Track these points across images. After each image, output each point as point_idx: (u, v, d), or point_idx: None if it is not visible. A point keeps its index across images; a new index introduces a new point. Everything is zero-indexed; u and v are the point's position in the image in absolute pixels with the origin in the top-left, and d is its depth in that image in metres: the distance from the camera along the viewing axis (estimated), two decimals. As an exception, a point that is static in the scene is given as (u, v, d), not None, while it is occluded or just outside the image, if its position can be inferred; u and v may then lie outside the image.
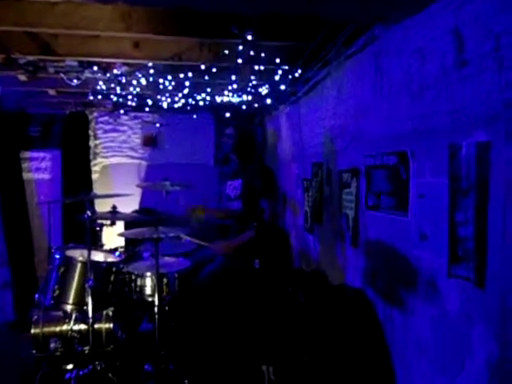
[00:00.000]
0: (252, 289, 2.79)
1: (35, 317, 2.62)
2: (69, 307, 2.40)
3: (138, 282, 2.63)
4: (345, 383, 2.17)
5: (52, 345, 2.55)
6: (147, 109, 3.94)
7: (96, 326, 2.52)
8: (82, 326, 2.56)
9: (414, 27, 1.81)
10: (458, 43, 1.45)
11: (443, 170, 1.62)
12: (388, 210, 2.14)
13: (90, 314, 2.29)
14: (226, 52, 2.52)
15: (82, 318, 2.54)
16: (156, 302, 2.41)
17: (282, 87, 3.24)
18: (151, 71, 2.94)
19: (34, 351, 2.61)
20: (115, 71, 2.96)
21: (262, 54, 2.57)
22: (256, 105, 3.91)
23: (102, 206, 4.09)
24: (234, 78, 2.87)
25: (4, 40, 2.65)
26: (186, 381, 2.41)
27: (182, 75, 2.85)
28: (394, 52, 2.02)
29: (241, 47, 2.42)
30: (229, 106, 3.98)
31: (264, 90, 3.35)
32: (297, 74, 2.98)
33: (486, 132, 1.38)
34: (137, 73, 2.99)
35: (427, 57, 1.70)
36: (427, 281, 1.76)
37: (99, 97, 3.55)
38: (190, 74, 2.83)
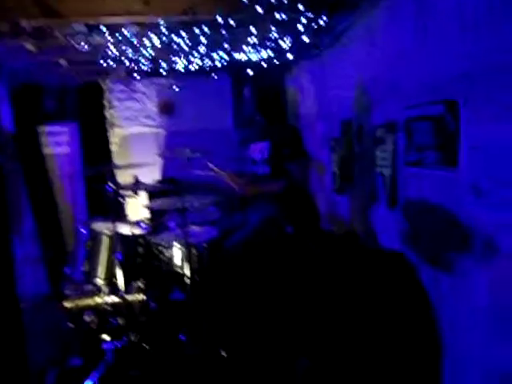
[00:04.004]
0: (283, 257, 2.68)
1: (67, 291, 2.63)
2: (99, 281, 2.37)
3: (166, 254, 2.58)
4: (385, 353, 2.08)
5: (86, 317, 2.55)
6: (163, 72, 3.73)
7: (128, 297, 2.50)
8: (115, 299, 2.55)
9: None
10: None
11: (507, 114, 1.40)
12: (433, 166, 1.94)
13: (121, 287, 2.25)
14: (245, 0, 2.28)
15: (113, 290, 2.52)
16: (187, 273, 2.35)
17: (305, 39, 2.97)
18: (163, 30, 2.72)
19: (70, 324, 2.64)
20: (125, 32, 2.76)
21: (285, 1, 2.31)
22: (276, 62, 3.65)
23: (124, 178, 4.03)
24: (253, 30, 2.63)
25: (8, 7, 2.49)
26: (224, 352, 2.37)
27: (197, 31, 2.62)
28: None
29: (261, -7, 2.17)
30: (247, 64, 3.73)
31: (285, 44, 3.09)
32: (322, 22, 2.70)
33: None
34: (148, 32, 2.78)
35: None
36: (484, 240, 1.59)
37: (111, 63, 3.37)
38: (205, 29, 2.61)
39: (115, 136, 4.72)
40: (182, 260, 2.47)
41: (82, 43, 2.69)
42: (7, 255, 1.64)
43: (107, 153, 4.50)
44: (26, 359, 1.89)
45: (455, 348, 1.86)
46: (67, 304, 2.63)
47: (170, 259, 2.54)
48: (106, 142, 4.53)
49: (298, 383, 2.17)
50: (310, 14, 2.58)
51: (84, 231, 2.39)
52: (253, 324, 2.56)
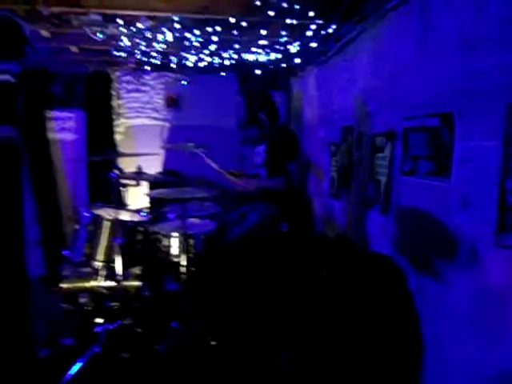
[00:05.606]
0: (277, 254, 2.77)
1: (65, 272, 2.69)
2: (98, 264, 2.44)
3: (165, 243, 2.65)
4: (368, 352, 2.16)
5: (82, 299, 2.62)
6: (173, 66, 3.81)
7: (124, 283, 2.57)
8: (111, 283, 2.62)
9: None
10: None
11: (496, 132, 1.50)
12: (426, 176, 2.03)
13: (119, 272, 2.33)
14: (258, 3, 2.36)
15: (110, 274, 2.59)
16: (183, 263, 2.43)
17: (313, 45, 3.06)
18: (177, 26, 2.81)
19: (65, 305, 2.70)
20: (140, 25, 2.84)
21: (296, 7, 2.40)
22: (284, 65, 3.74)
23: (126, 167, 4.10)
24: (264, 33, 2.72)
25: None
26: (212, 341, 2.44)
27: (209, 29, 2.71)
28: (444, 3, 1.84)
29: (274, -2, 2.26)
30: (254, 65, 3.81)
31: (294, 48, 3.18)
32: (330, 30, 2.80)
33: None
34: (162, 27, 2.86)
35: (486, 4, 1.53)
36: (468, 250, 1.68)
37: (123, 54, 3.44)
38: (218, 29, 2.69)
39: (120, 126, 4.79)
40: (180, 250, 2.54)
41: (97, 33, 2.76)
42: (20, 238, 1.71)
43: (112, 142, 4.57)
44: (32, 336, 1.94)
45: (437, 352, 1.94)
46: (64, 285, 2.70)
47: (168, 248, 2.62)
48: (111, 131, 4.60)
49: (280, 375, 2.25)
50: (319, 22, 2.67)
51: (87, 214, 2.46)
52: (242, 316, 2.64)
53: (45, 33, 3.20)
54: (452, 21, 1.80)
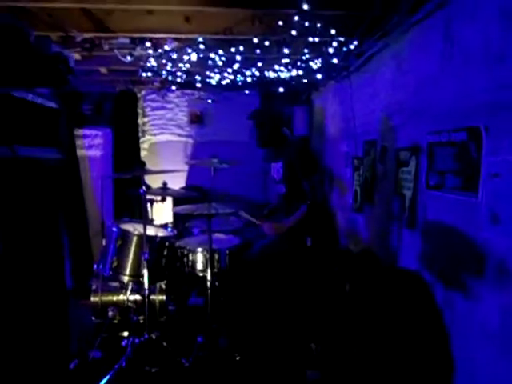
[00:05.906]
0: (301, 268, 2.76)
1: (94, 286, 2.77)
2: (125, 278, 2.49)
3: (190, 257, 2.69)
4: (395, 368, 2.11)
5: (110, 313, 2.67)
6: (199, 85, 3.92)
7: (151, 297, 2.61)
8: (138, 297, 2.67)
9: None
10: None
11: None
12: (453, 190, 2.00)
13: (146, 286, 2.37)
14: (280, 23, 2.42)
15: (137, 289, 2.65)
16: (208, 277, 2.46)
17: (335, 61, 3.09)
18: (201, 46, 2.90)
19: (94, 318, 2.76)
20: (166, 47, 2.95)
21: (318, 25, 2.44)
22: (305, 80, 3.78)
23: (151, 183, 4.20)
24: (286, 51, 2.77)
25: (60, 18, 2.70)
26: (238, 356, 2.44)
27: (233, 49, 2.79)
28: (469, 16, 1.84)
29: (296, 18, 2.31)
30: (276, 82, 3.88)
31: (316, 65, 3.22)
32: (352, 46, 2.82)
33: None
34: (187, 48, 2.96)
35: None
36: (498, 266, 1.64)
37: (149, 74, 3.57)
38: (241, 48, 2.76)
39: (146, 142, 4.93)
40: (205, 265, 2.58)
41: (127, 56, 2.89)
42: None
43: (138, 158, 4.71)
44: (68, 348, 1.99)
45: (467, 368, 1.89)
46: (93, 298, 2.77)
47: (193, 263, 2.66)
48: (137, 147, 4.74)
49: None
50: (341, 39, 2.70)
51: (115, 229, 2.53)
52: (267, 331, 2.64)
53: (76, 56, 3.36)
54: (478, 33, 1.79)
